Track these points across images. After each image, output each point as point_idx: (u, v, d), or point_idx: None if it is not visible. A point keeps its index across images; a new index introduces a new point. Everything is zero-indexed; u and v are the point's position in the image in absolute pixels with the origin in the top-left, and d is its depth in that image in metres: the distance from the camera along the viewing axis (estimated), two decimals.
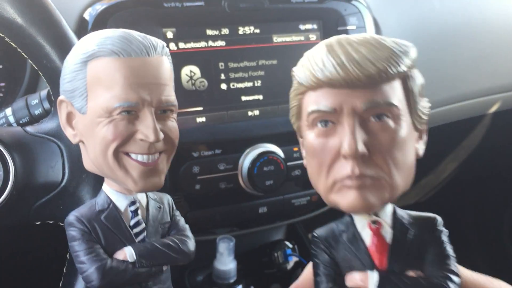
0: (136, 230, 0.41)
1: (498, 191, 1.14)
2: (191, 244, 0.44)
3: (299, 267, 0.73)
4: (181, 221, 0.45)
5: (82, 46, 0.39)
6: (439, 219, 0.38)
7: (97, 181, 0.45)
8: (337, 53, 0.34)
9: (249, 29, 0.65)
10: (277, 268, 0.76)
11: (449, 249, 0.36)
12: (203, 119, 0.64)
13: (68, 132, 0.42)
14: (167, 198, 0.45)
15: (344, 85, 0.34)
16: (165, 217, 0.44)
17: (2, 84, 0.69)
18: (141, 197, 0.43)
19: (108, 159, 0.39)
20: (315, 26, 0.68)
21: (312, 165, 0.37)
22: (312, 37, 0.68)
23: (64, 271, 0.47)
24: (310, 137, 0.37)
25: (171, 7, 0.61)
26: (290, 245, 0.77)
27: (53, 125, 0.47)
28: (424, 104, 0.38)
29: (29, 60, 0.47)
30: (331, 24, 0.69)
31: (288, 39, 0.67)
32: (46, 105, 0.53)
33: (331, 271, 0.37)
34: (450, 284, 0.34)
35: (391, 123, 0.35)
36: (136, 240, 0.41)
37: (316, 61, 0.35)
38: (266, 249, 0.77)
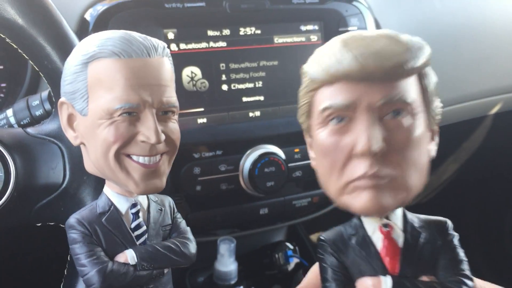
0: (137, 232, 0.41)
1: (499, 192, 1.14)
2: (193, 247, 0.44)
3: (300, 268, 0.73)
4: (183, 223, 0.45)
5: (82, 48, 0.39)
6: (449, 223, 0.37)
7: (98, 183, 0.45)
8: (354, 46, 0.33)
9: (250, 30, 0.65)
10: (278, 270, 0.76)
11: (462, 253, 0.36)
12: (204, 120, 0.63)
13: (69, 134, 0.42)
14: (168, 200, 0.45)
15: (362, 78, 0.33)
16: (167, 220, 0.44)
17: (3, 85, 0.69)
18: (142, 200, 0.42)
19: (109, 161, 0.39)
20: (316, 27, 0.68)
21: (323, 165, 0.35)
22: (313, 38, 0.68)
23: (65, 273, 0.47)
24: (322, 135, 0.35)
25: (172, 8, 0.61)
26: (291, 247, 0.77)
27: (54, 127, 0.47)
28: (437, 104, 0.37)
29: (30, 61, 0.47)
30: (332, 25, 0.69)
31: (289, 40, 0.67)
32: (47, 106, 0.53)
33: (340, 275, 0.36)
34: None
35: (407, 120, 0.34)
36: (137, 243, 0.41)
37: (331, 55, 0.34)
38: (267, 251, 0.77)
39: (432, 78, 0.37)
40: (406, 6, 0.81)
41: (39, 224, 0.47)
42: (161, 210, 0.43)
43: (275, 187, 0.64)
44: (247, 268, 0.73)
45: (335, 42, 0.35)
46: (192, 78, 0.63)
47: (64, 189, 0.46)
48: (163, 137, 0.39)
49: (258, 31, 0.65)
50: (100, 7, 0.59)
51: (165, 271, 0.43)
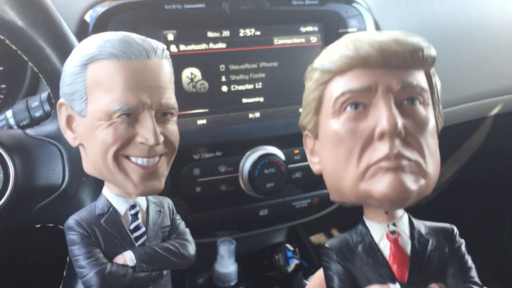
0: (136, 234, 0.41)
1: (499, 193, 1.14)
2: (192, 248, 0.44)
3: (300, 269, 0.73)
4: (182, 224, 0.45)
5: (82, 49, 0.39)
6: (455, 229, 0.37)
7: (97, 184, 0.45)
8: (369, 36, 0.34)
9: (250, 31, 0.65)
10: (278, 271, 0.76)
11: (470, 260, 0.36)
12: (204, 121, 0.63)
13: (68, 135, 0.42)
14: (167, 202, 0.45)
15: (379, 64, 0.33)
16: (166, 221, 0.44)
17: (3, 86, 0.69)
18: (141, 201, 0.42)
19: (108, 163, 0.39)
20: (316, 28, 0.68)
21: (339, 154, 0.34)
22: (313, 39, 0.68)
23: (64, 274, 0.47)
24: (336, 124, 0.34)
25: (172, 9, 0.61)
26: (291, 248, 0.77)
27: (53, 128, 0.47)
28: (441, 108, 0.38)
29: (30, 63, 0.47)
30: (332, 26, 0.69)
31: (289, 41, 0.67)
32: (47, 107, 0.53)
33: (347, 283, 0.35)
34: None
35: (422, 109, 0.34)
36: (136, 244, 0.41)
37: (345, 46, 0.34)
38: (266, 252, 0.77)
39: (438, 80, 0.37)
40: (406, 8, 0.81)
41: (38, 226, 0.47)
42: (160, 211, 0.43)
43: (275, 188, 0.64)
44: (247, 269, 0.73)
45: (346, 37, 0.35)
46: (192, 79, 0.63)
47: (63, 190, 0.46)
48: (161, 138, 0.39)
49: (258, 32, 0.65)
50: (100, 9, 0.59)
51: (164, 272, 0.43)
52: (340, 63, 0.34)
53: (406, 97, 0.34)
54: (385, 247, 0.35)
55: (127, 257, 0.40)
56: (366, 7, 0.72)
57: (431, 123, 0.35)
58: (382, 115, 0.32)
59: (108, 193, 0.41)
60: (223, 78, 0.64)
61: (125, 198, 0.41)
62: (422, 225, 0.36)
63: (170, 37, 0.61)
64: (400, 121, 0.32)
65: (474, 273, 0.35)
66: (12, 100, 0.67)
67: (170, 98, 0.40)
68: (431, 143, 0.34)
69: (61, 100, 0.41)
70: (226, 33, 0.64)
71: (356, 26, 0.70)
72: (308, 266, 0.74)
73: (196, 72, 0.63)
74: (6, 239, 0.59)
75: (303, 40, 0.68)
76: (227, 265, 0.67)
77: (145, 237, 0.42)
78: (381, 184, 0.32)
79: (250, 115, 0.66)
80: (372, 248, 0.35)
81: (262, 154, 0.64)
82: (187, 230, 0.45)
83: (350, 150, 0.34)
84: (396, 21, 0.78)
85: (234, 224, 0.70)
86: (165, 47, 0.41)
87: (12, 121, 0.54)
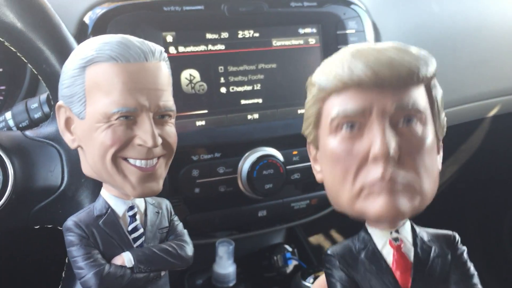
0: (134, 235, 0.41)
1: (498, 193, 1.14)
2: (189, 249, 0.44)
3: (298, 270, 0.73)
4: (180, 226, 0.45)
5: (80, 52, 0.40)
6: (457, 236, 0.37)
7: (96, 186, 0.45)
8: (364, 55, 0.33)
9: (248, 33, 0.65)
10: (277, 272, 0.76)
11: (472, 267, 0.36)
12: (203, 122, 0.64)
13: (67, 138, 0.42)
14: (165, 203, 0.45)
15: (374, 85, 0.33)
16: (164, 222, 0.44)
17: (2, 88, 0.69)
18: (140, 202, 0.43)
19: (107, 164, 0.39)
20: (314, 30, 0.69)
21: (335, 173, 0.35)
22: (312, 41, 0.69)
23: (63, 275, 0.47)
24: (332, 143, 0.35)
25: (171, 11, 0.61)
26: (290, 249, 0.77)
27: (52, 129, 0.47)
28: (443, 116, 0.38)
29: (29, 65, 0.47)
30: (330, 28, 0.69)
31: (287, 42, 0.67)
32: (46, 109, 0.53)
33: None
34: None
35: (419, 128, 0.34)
36: (134, 245, 0.41)
37: (341, 64, 0.34)
38: (265, 253, 0.77)
39: (440, 90, 0.37)
40: (404, 9, 0.81)
41: (37, 227, 0.47)
42: (158, 212, 0.44)
43: (273, 189, 0.64)
44: (245, 270, 0.73)
45: (344, 53, 0.35)
46: (190, 81, 0.63)
47: (62, 192, 0.46)
48: (159, 140, 0.39)
49: (257, 34, 0.66)
50: (99, 10, 0.59)
51: (162, 273, 0.43)
52: (336, 83, 0.34)
53: (402, 117, 0.34)
54: (388, 254, 0.35)
55: (125, 258, 0.40)
56: (364, 9, 0.72)
57: (429, 140, 0.34)
58: (375, 139, 0.32)
59: (107, 194, 0.42)
60: (222, 80, 0.65)
61: (123, 199, 0.42)
62: (424, 232, 0.36)
63: (169, 38, 0.62)
64: (393, 146, 0.32)
65: (476, 279, 0.35)
66: (11, 102, 0.67)
67: (168, 100, 0.41)
68: (427, 160, 0.34)
69: (59, 102, 0.41)
70: (225, 34, 0.64)
71: (354, 28, 0.70)
72: (307, 267, 0.74)
73: (195, 73, 0.63)
74: (5, 240, 0.59)
75: (301, 42, 0.68)
76: (225, 266, 0.67)
77: (143, 238, 0.42)
78: (375, 206, 0.33)
79: (249, 117, 0.66)
80: (375, 255, 0.35)
81: (261, 155, 0.64)
82: (185, 231, 0.45)
83: (346, 170, 0.34)
84: (394, 23, 0.78)
85: (232, 225, 0.70)
86: (163, 49, 0.42)
87: (11, 123, 0.54)
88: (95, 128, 0.38)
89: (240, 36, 0.65)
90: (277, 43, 0.67)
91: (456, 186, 1.12)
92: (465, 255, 0.36)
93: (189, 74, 0.63)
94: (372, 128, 0.33)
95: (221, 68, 0.64)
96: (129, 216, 0.42)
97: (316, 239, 1.01)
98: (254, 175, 0.63)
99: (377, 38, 0.74)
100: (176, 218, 0.45)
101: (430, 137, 0.35)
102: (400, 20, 0.80)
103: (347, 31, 0.69)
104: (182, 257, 0.43)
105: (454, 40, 0.83)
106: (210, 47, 0.64)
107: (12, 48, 0.46)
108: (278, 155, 0.66)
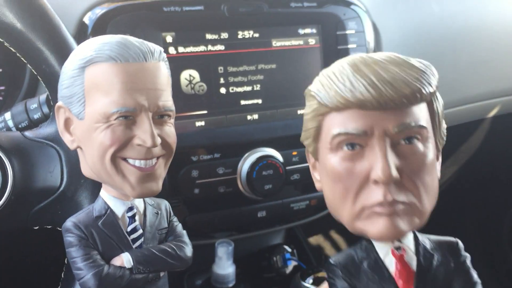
0: (133, 236, 0.41)
1: (498, 194, 1.14)
2: (188, 250, 0.44)
3: (297, 271, 0.73)
4: (179, 226, 0.45)
5: (79, 52, 0.39)
6: (460, 243, 0.37)
7: (95, 186, 0.45)
8: (365, 72, 0.33)
9: (248, 33, 0.65)
10: (276, 272, 0.76)
11: (475, 275, 0.36)
12: (202, 123, 0.64)
13: (66, 138, 0.42)
14: (164, 204, 0.45)
15: (376, 106, 0.32)
16: (163, 223, 0.44)
17: (2, 88, 0.69)
18: (139, 203, 0.43)
19: (106, 165, 0.39)
20: (314, 31, 0.69)
21: (335, 191, 0.35)
22: (311, 41, 0.69)
23: (62, 276, 0.47)
24: (333, 161, 0.35)
25: (171, 11, 0.61)
26: (289, 249, 0.77)
27: (51, 130, 0.47)
28: (444, 126, 0.37)
29: (28, 65, 0.47)
30: (330, 29, 0.69)
31: (287, 43, 0.67)
32: (45, 109, 0.53)
33: None
34: None
35: (420, 146, 0.34)
36: (133, 246, 0.41)
37: (341, 81, 0.33)
38: (265, 253, 0.77)
39: (440, 101, 0.37)
40: (404, 10, 0.81)
41: (37, 228, 0.47)
42: (157, 213, 0.43)
43: (273, 190, 0.64)
44: (245, 271, 0.73)
45: (344, 66, 0.34)
46: (190, 81, 0.63)
47: (62, 193, 0.46)
48: (159, 140, 0.39)
49: (256, 35, 0.66)
50: (98, 11, 0.59)
51: (161, 274, 0.43)
52: (336, 102, 0.33)
53: (404, 137, 0.33)
54: (391, 263, 0.35)
55: (124, 259, 0.40)
56: (364, 9, 0.72)
57: (429, 158, 0.34)
58: (377, 163, 0.32)
59: (106, 195, 0.42)
60: (222, 80, 0.64)
61: (122, 200, 0.41)
62: (427, 240, 0.36)
63: (169, 39, 0.62)
64: (394, 169, 0.32)
65: None
66: (10, 102, 0.67)
67: (167, 100, 0.41)
68: (427, 180, 0.34)
69: (59, 103, 0.41)
70: (224, 35, 0.64)
71: (354, 28, 0.70)
72: (306, 267, 0.74)
73: (195, 74, 0.63)
74: (4, 241, 0.59)
75: (301, 42, 0.68)
76: (225, 266, 0.67)
77: (142, 239, 0.42)
78: (375, 227, 0.33)
79: (249, 117, 0.66)
80: (378, 265, 0.35)
81: (260, 156, 0.64)
82: (184, 232, 0.45)
83: (346, 189, 0.34)
84: (394, 23, 0.78)
85: (232, 225, 0.70)
86: (162, 49, 0.42)
87: (10, 123, 0.54)
88: (94, 128, 0.38)
89: (240, 36, 0.65)
90: (277, 43, 0.67)
91: (456, 186, 1.12)
92: (469, 262, 0.36)
93: (189, 75, 0.63)
94: (373, 149, 0.33)
95: (220, 69, 0.64)
96: (128, 217, 0.41)
97: (315, 239, 1.01)
98: (253, 176, 0.63)
99: (377, 38, 0.74)
100: (175, 219, 0.45)
101: (431, 152, 0.34)
102: (400, 21, 0.80)
103: (347, 32, 0.69)
104: (181, 258, 0.43)
105: (454, 41, 0.83)
106: (209, 47, 0.64)
107: (11, 49, 0.46)
108: (278, 155, 0.66)
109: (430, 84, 0.33)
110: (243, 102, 0.66)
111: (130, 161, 0.39)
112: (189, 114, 0.63)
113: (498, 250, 1.15)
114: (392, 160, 0.32)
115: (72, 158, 0.46)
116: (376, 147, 0.33)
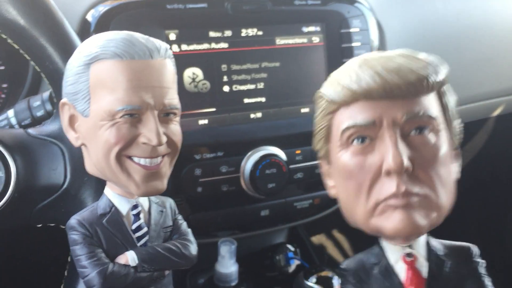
0: (138, 234, 0.41)
1: (500, 194, 1.14)
2: (193, 248, 0.44)
3: (300, 270, 0.73)
4: (184, 225, 0.45)
5: (84, 49, 0.39)
6: (474, 249, 0.36)
7: (99, 184, 0.45)
8: (372, 63, 0.33)
9: (252, 31, 0.65)
10: (279, 271, 0.75)
11: (488, 282, 0.35)
12: (205, 121, 0.63)
13: (70, 135, 0.41)
14: (169, 202, 0.45)
15: (383, 95, 0.32)
16: (167, 221, 0.44)
17: (5, 86, 0.69)
18: (143, 201, 0.42)
19: (111, 163, 0.39)
20: (318, 29, 0.68)
21: (348, 188, 0.34)
22: (315, 39, 0.68)
23: (65, 274, 0.47)
24: (344, 157, 0.34)
25: (174, 9, 0.61)
26: (292, 248, 0.77)
27: (55, 127, 0.47)
28: (457, 123, 0.37)
29: (32, 62, 0.47)
30: (334, 27, 0.69)
31: (291, 41, 0.67)
32: (48, 107, 0.53)
33: None
34: None
35: (432, 137, 0.33)
36: (138, 244, 0.41)
37: (349, 75, 0.33)
38: (268, 252, 0.77)
39: (452, 96, 0.36)
40: (409, 8, 0.81)
41: (40, 225, 0.47)
42: (162, 211, 0.43)
43: (276, 188, 0.64)
44: (247, 269, 0.72)
45: (351, 63, 0.34)
46: (193, 79, 0.63)
47: (65, 190, 0.46)
48: (164, 139, 0.39)
49: (260, 32, 0.65)
50: (102, 8, 0.59)
51: (166, 272, 0.43)
52: (344, 96, 0.33)
53: (414, 127, 0.33)
54: (401, 270, 0.34)
55: (129, 257, 0.40)
56: (368, 7, 0.71)
57: (443, 150, 0.33)
58: (387, 153, 0.32)
59: (110, 193, 0.41)
60: (225, 78, 0.64)
61: (127, 198, 0.41)
62: (439, 245, 0.36)
63: (172, 36, 0.61)
64: (406, 158, 0.31)
65: None
66: (14, 100, 0.67)
67: (173, 98, 0.40)
68: (442, 172, 0.33)
69: (63, 100, 0.41)
70: (228, 33, 0.64)
71: (358, 26, 0.70)
72: (309, 266, 0.74)
73: (198, 72, 0.63)
74: (7, 238, 0.59)
75: (305, 40, 0.68)
76: (228, 265, 0.66)
77: (147, 237, 0.42)
78: (391, 222, 0.32)
79: (252, 115, 0.66)
80: (388, 271, 0.35)
81: (264, 154, 0.63)
82: (189, 230, 0.45)
83: (359, 185, 0.33)
84: (398, 21, 0.78)
85: (235, 224, 0.70)
86: (168, 46, 0.41)
87: (13, 121, 0.54)
88: (99, 126, 0.38)
89: (243, 34, 0.65)
90: (280, 41, 0.66)
91: (458, 186, 1.12)
92: (482, 269, 0.35)
93: (192, 73, 0.63)
94: (383, 141, 0.32)
95: (224, 67, 0.64)
96: (133, 214, 0.41)
97: (318, 239, 1.01)
98: (257, 174, 0.63)
99: (381, 36, 0.74)
100: (180, 217, 0.45)
101: (444, 146, 0.34)
102: (404, 19, 0.79)
103: (351, 30, 0.69)
104: (186, 256, 0.42)
105: (458, 39, 0.82)
106: (213, 45, 0.63)
107: (14, 45, 0.46)
108: (281, 154, 0.65)
109: (436, 73, 0.33)
110: (246, 100, 0.65)
111: (135, 159, 0.39)
112: (192, 112, 0.63)
113: (499, 251, 1.15)
114: (403, 149, 0.32)
115: (75, 156, 0.46)
116: (386, 137, 0.32)
